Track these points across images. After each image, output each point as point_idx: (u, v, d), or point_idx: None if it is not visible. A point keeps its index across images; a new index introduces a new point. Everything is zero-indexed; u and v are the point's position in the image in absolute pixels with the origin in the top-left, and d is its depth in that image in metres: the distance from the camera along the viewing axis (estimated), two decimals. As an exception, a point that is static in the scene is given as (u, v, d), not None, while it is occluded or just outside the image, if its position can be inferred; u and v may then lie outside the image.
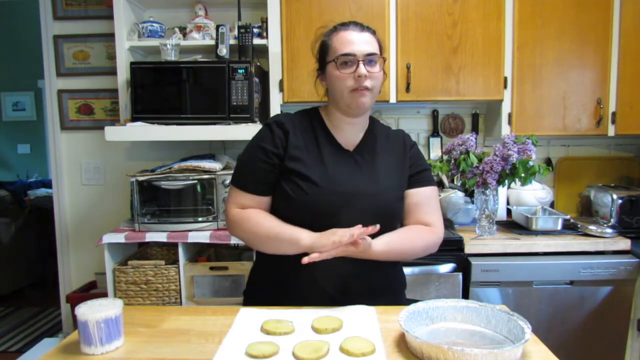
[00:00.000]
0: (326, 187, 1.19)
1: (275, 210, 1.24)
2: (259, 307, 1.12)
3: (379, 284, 1.25)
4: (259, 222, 1.20)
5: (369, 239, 1.12)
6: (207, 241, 2.03)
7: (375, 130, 1.33)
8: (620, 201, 2.21)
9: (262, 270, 1.32)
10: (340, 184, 1.21)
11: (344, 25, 1.24)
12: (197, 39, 2.30)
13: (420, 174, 1.31)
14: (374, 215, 1.18)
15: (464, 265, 1.99)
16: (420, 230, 1.27)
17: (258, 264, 1.36)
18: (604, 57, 2.27)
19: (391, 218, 1.26)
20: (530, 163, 1.97)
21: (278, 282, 1.24)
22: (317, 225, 1.15)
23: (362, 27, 1.24)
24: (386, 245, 1.17)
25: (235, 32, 2.27)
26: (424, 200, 1.29)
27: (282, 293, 1.21)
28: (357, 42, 1.20)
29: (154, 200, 2.11)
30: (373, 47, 1.22)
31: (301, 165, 1.20)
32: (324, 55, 1.26)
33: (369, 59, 1.20)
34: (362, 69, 1.18)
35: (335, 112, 1.27)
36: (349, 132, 1.28)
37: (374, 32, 1.26)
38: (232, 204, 1.25)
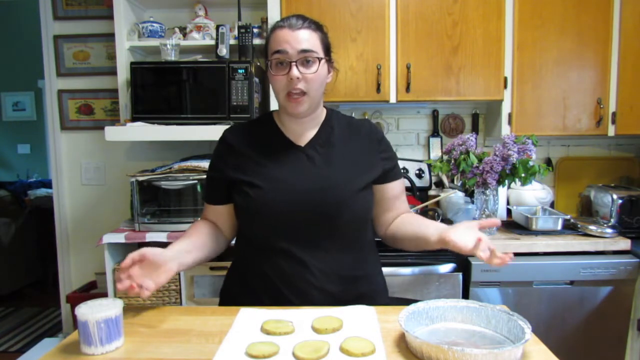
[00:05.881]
0: (268, 186, 1.15)
1: (240, 223, 1.27)
2: (258, 307, 1.12)
3: (360, 290, 1.22)
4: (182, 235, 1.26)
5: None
6: (207, 241, 2.03)
7: (332, 122, 1.25)
8: (620, 201, 2.20)
9: (238, 279, 1.28)
10: (283, 181, 1.16)
11: (284, 20, 1.16)
12: (197, 39, 2.31)
13: (395, 167, 1.29)
14: (326, 208, 1.14)
15: (464, 265, 1.99)
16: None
17: (234, 272, 1.31)
18: (604, 57, 2.27)
19: (346, 210, 1.17)
20: (530, 163, 1.97)
21: (256, 290, 1.20)
22: (271, 225, 1.16)
23: (303, 22, 1.14)
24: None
25: (235, 32, 2.27)
26: (401, 192, 1.31)
27: (261, 301, 1.17)
28: (291, 39, 1.11)
29: (154, 200, 2.11)
30: (309, 44, 1.12)
31: (242, 174, 1.19)
32: (266, 54, 1.19)
33: (305, 57, 1.12)
34: (294, 71, 1.11)
35: (281, 112, 1.24)
36: (300, 129, 1.23)
37: (318, 28, 1.17)
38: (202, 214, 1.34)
